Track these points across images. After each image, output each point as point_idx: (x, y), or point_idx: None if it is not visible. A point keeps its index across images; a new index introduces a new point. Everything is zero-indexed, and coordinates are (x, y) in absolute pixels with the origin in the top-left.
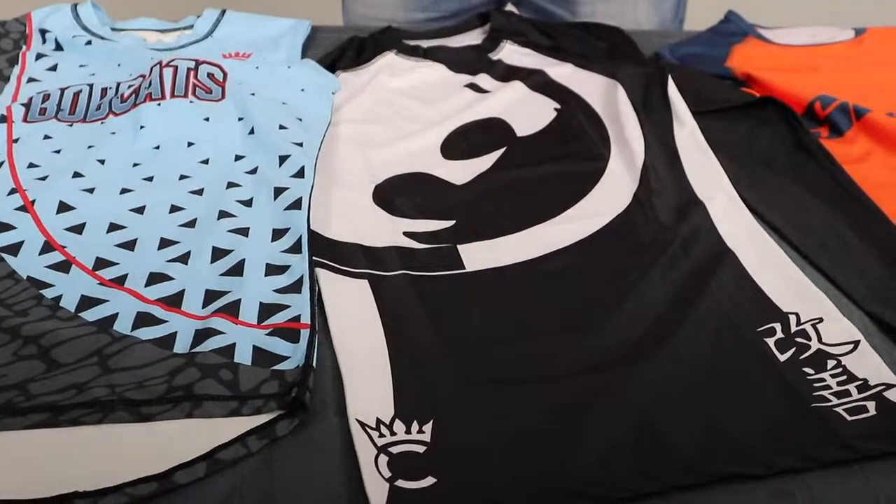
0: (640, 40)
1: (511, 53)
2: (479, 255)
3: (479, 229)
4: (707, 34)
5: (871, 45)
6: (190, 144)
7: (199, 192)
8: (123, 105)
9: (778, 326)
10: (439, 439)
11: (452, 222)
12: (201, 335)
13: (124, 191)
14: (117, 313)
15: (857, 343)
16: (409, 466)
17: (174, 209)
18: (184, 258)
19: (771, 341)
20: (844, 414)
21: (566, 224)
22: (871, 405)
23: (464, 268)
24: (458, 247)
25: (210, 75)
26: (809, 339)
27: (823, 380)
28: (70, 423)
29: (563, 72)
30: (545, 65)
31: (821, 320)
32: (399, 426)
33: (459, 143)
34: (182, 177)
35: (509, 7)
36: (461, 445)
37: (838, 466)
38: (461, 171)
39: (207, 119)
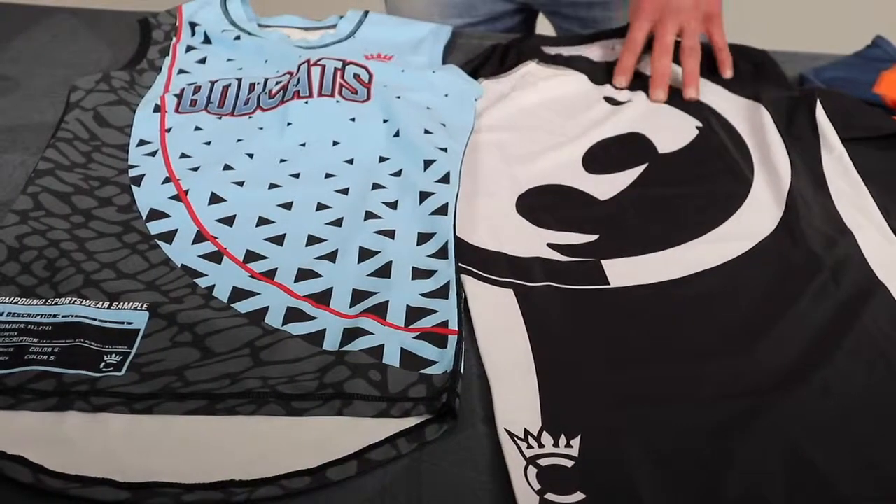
0: (784, 61)
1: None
2: (623, 272)
3: (623, 245)
4: (854, 58)
5: None
6: (335, 144)
7: (345, 191)
8: (271, 101)
9: None
10: (587, 455)
11: (596, 236)
12: (350, 334)
13: (272, 186)
14: (268, 307)
15: None
16: (559, 480)
17: (321, 207)
18: (331, 256)
19: None
20: None
21: (712, 245)
22: None
23: (608, 283)
24: (603, 262)
25: (356, 76)
26: None
27: None
28: (226, 412)
29: (704, 89)
30: None
31: None
32: (547, 439)
33: (601, 157)
34: (328, 175)
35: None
36: (610, 463)
37: None
38: (603, 186)
39: (353, 119)
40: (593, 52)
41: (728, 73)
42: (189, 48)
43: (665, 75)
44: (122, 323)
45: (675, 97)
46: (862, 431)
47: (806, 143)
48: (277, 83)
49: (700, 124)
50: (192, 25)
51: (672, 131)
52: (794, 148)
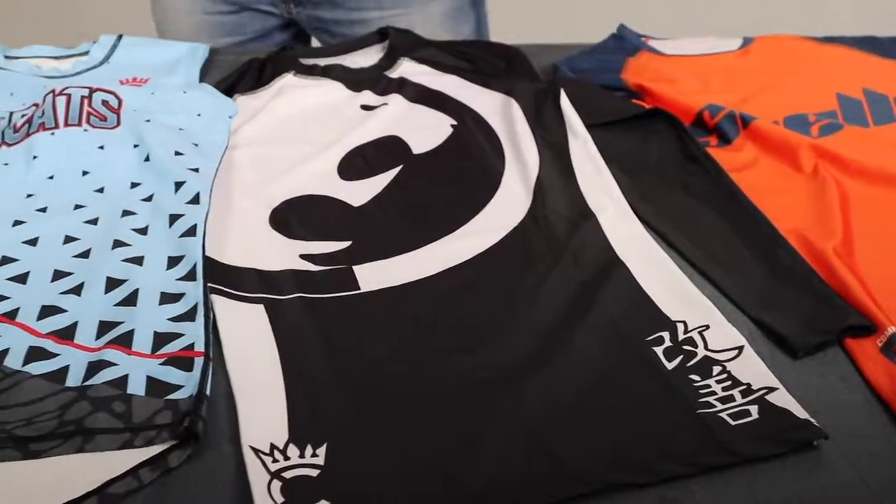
0: (538, 53)
1: (409, 70)
2: (374, 276)
3: (375, 249)
4: (603, 46)
5: (759, 53)
6: (85, 173)
7: (94, 221)
8: (16, 135)
9: (666, 335)
10: (333, 462)
11: (349, 243)
12: (94, 367)
13: (17, 222)
14: (8, 348)
15: (740, 348)
16: (303, 491)
17: (68, 240)
18: (77, 290)
19: (659, 350)
20: (728, 419)
21: (460, 241)
22: (753, 409)
23: (359, 288)
24: (354, 268)
25: (104, 102)
26: (696, 346)
27: (709, 386)
28: None
29: (459, 88)
30: (442, 81)
31: (707, 327)
32: (293, 450)
33: (356, 164)
34: (77, 206)
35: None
36: (354, 468)
37: (722, 471)
38: (358, 192)
39: (102, 147)
40: (350, 60)
41: None
42: None
43: None
44: None
45: (432, 98)
46: (599, 408)
47: (554, 133)
48: (22, 116)
49: (454, 122)
50: None
51: (427, 131)
52: (543, 138)
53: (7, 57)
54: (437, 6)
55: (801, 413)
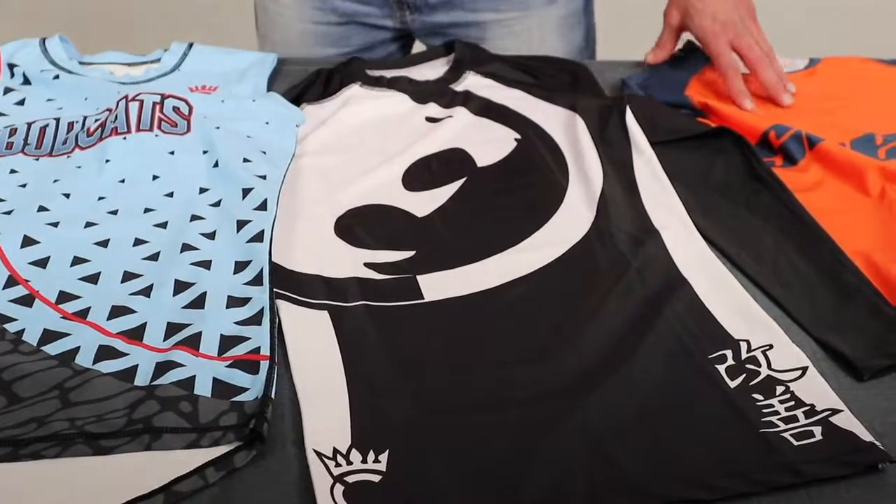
0: (606, 69)
1: (474, 84)
2: (438, 285)
3: (439, 259)
4: (668, 63)
5: (825, 74)
6: (155, 178)
7: (163, 225)
8: (89, 139)
9: (729, 353)
10: (395, 468)
11: (412, 253)
12: (162, 368)
13: (89, 224)
14: (79, 347)
15: (804, 369)
16: (365, 495)
17: (138, 242)
18: (146, 291)
19: (722, 368)
20: (791, 439)
21: (525, 253)
22: (817, 430)
23: (422, 298)
24: (418, 277)
25: (176, 109)
26: (759, 365)
27: (772, 405)
28: (30, 457)
29: (524, 102)
30: (506, 95)
31: (770, 347)
32: (355, 455)
33: (421, 174)
34: (146, 210)
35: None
36: (416, 474)
37: (784, 491)
38: (422, 202)
39: (172, 153)
40: (416, 72)
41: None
42: (7, 90)
43: (781, 82)
44: None
45: (496, 111)
46: (661, 423)
47: (618, 149)
48: (96, 121)
49: (518, 136)
50: (11, 67)
51: (491, 144)
52: (607, 153)
53: (82, 63)
54: (554, 10)
55: (865, 436)
